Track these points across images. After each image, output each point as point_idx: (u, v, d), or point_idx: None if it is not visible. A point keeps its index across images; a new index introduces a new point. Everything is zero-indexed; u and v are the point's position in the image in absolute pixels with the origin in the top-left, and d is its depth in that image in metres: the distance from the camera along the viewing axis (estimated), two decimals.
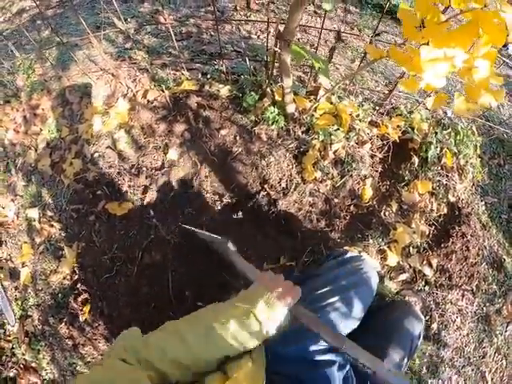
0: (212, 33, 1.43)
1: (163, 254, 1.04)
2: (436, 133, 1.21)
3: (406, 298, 1.11)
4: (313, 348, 0.74)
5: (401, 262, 1.10)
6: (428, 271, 1.14)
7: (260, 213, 1.01)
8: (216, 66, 1.21)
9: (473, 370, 1.29)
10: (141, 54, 1.42)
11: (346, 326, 0.83)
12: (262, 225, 1.01)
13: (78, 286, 1.29)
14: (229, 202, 1.04)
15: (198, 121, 1.14)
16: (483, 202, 1.33)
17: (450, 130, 1.23)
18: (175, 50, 1.38)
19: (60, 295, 1.37)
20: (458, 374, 1.27)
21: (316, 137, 1.03)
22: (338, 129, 1.04)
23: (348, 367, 0.77)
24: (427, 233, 1.13)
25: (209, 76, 1.18)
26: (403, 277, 1.10)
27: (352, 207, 1.05)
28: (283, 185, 1.01)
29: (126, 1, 1.77)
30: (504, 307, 1.37)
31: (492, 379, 1.32)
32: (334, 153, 1.03)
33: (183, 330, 0.56)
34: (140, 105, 1.22)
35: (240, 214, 1.02)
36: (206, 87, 1.16)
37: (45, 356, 1.46)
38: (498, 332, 1.34)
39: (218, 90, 1.14)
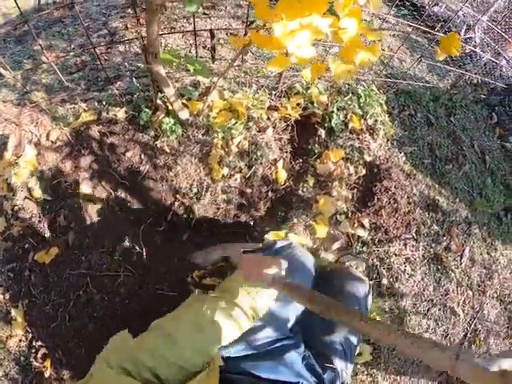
0: (106, 57, 1.42)
1: (98, 288, 1.03)
2: (337, 101, 1.25)
3: (347, 264, 1.15)
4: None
5: (332, 232, 1.13)
6: (362, 232, 1.18)
7: (180, 222, 1.02)
8: (109, 91, 1.20)
9: (440, 309, 1.33)
10: (40, 94, 1.39)
11: (294, 310, 0.84)
12: (185, 233, 1.02)
13: (34, 343, 1.26)
14: (149, 219, 1.04)
15: (103, 149, 1.13)
16: (402, 154, 1.40)
17: (350, 95, 1.28)
18: (71, 83, 1.37)
19: (22, 358, 1.33)
20: (427, 318, 1.31)
21: (216, 135, 1.05)
22: (236, 122, 1.06)
23: None
24: (351, 197, 1.17)
25: (104, 102, 1.17)
26: (337, 245, 1.13)
27: (270, 193, 1.08)
28: (194, 190, 1.02)
29: (21, 41, 1.73)
30: (452, 242, 1.44)
31: (463, 311, 1.38)
32: (238, 146, 1.05)
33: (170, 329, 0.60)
34: (44, 148, 1.20)
35: (162, 227, 1.02)
36: (104, 114, 1.15)
37: None
38: (453, 267, 1.40)
39: (115, 114, 1.13)
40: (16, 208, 1.25)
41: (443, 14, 1.72)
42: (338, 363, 0.83)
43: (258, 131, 1.09)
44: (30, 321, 1.23)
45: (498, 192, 1.63)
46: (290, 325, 0.83)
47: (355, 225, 1.17)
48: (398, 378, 1.26)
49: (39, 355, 1.26)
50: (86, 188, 1.10)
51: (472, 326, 1.36)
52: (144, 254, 1.00)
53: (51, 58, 1.14)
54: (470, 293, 1.40)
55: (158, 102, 1.07)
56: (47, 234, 1.13)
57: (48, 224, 1.13)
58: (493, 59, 1.53)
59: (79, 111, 1.21)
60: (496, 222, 1.58)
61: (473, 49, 1.57)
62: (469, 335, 1.35)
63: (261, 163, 1.07)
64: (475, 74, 1.52)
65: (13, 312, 1.28)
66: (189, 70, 1.27)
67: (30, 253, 1.17)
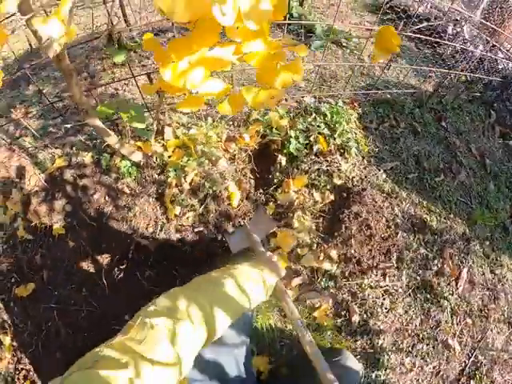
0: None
1: (64, 322, 1.11)
2: (297, 124, 1.19)
3: (308, 301, 1.06)
4: None
5: (293, 267, 1.07)
6: (328, 265, 1.09)
7: (139, 261, 1.05)
8: (79, 137, 1.27)
9: (428, 344, 1.18)
10: (28, 139, 1.51)
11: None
12: (145, 271, 1.05)
13: (18, 365, 1.39)
14: (113, 258, 1.09)
15: (76, 192, 1.20)
16: (381, 171, 1.29)
17: (314, 115, 1.22)
18: (54, 127, 1.47)
19: (9, 378, 1.46)
20: (411, 355, 1.15)
21: (170, 174, 1.06)
22: (189, 159, 1.07)
23: None
24: (315, 227, 1.11)
25: (74, 148, 1.25)
26: (298, 281, 1.06)
27: (228, 227, 1.06)
28: (150, 230, 1.04)
29: (13, 88, 1.89)
30: (445, 265, 1.29)
31: (460, 343, 1.22)
32: (190, 183, 1.05)
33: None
34: (26, 191, 1.30)
35: (123, 266, 1.06)
36: (74, 159, 1.22)
37: None
38: (446, 294, 1.25)
39: (83, 159, 1.20)
40: (5, 246, 1.38)
41: (431, 13, 1.57)
42: None
43: (212, 166, 1.08)
44: (15, 346, 1.37)
45: (502, 198, 1.45)
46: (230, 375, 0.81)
47: (320, 257, 1.10)
48: None
49: (21, 376, 1.40)
50: (59, 228, 1.18)
51: (472, 359, 1.21)
52: (107, 290, 1.05)
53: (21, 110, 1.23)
54: (469, 321, 1.25)
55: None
56: (25, 271, 1.24)
57: (27, 261, 1.23)
58: (485, 53, 1.37)
59: (55, 157, 1.30)
60: (501, 234, 1.40)
61: (463, 46, 1.41)
62: (467, 369, 1.20)
63: (215, 198, 1.06)
64: (461, 70, 1.37)
65: (2, 338, 1.43)
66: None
67: (13, 287, 1.30)
